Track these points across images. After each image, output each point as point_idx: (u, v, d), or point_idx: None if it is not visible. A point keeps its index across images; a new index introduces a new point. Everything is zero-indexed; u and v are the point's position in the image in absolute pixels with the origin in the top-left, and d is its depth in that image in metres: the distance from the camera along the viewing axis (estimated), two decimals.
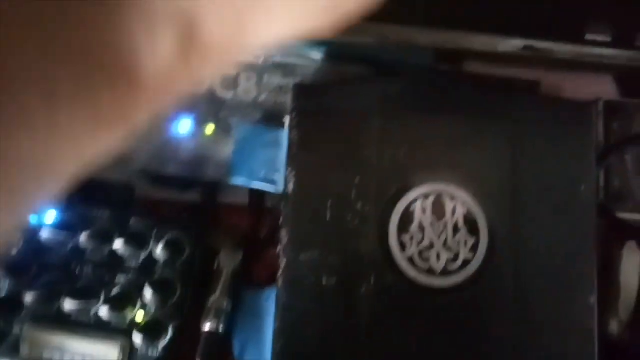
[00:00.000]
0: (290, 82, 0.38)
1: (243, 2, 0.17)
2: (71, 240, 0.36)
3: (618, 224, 0.37)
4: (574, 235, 0.32)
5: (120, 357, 0.35)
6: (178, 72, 0.16)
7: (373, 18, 0.41)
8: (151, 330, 0.35)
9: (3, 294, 0.35)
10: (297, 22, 0.19)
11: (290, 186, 0.31)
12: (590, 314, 0.31)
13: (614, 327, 0.39)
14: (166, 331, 0.35)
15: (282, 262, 0.31)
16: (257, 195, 0.42)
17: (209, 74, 0.18)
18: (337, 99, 0.32)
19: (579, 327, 0.31)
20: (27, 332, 0.35)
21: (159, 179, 0.40)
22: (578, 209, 0.32)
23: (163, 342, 0.35)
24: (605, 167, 0.39)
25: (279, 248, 0.31)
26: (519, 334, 0.31)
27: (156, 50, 0.15)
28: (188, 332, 0.37)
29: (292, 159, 0.32)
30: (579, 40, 0.42)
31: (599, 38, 0.43)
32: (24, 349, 0.34)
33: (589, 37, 0.42)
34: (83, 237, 0.35)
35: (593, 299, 0.31)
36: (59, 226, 0.35)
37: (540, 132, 0.32)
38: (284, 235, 0.31)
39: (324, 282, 0.31)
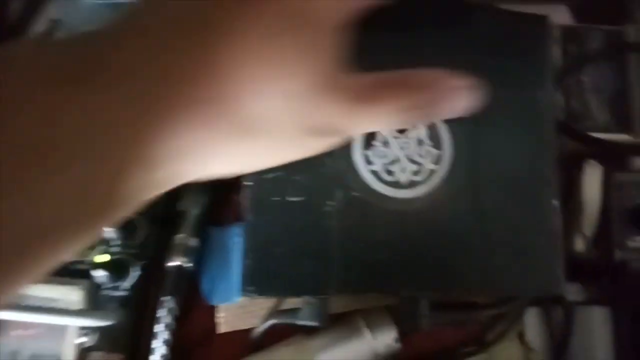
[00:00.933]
0: None
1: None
2: None
3: (581, 139, 0.38)
4: (534, 142, 0.32)
5: (85, 299, 0.33)
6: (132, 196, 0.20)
7: None
8: (115, 270, 0.34)
9: None
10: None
11: None
12: (554, 215, 0.31)
13: (579, 243, 0.40)
14: (130, 271, 0.34)
15: (246, 184, 0.30)
16: None
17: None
18: None
19: (544, 228, 0.31)
20: None
21: None
22: (537, 117, 0.32)
23: (128, 282, 0.34)
24: (563, 88, 0.40)
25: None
26: (484, 239, 0.31)
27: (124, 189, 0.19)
28: (155, 273, 0.36)
29: None
30: None
31: None
32: None
33: None
34: None
35: (556, 202, 0.31)
36: None
37: (498, 44, 0.32)
38: None
39: (290, 199, 0.30)
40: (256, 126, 0.21)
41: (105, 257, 0.34)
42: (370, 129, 0.27)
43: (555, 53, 0.40)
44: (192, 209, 0.36)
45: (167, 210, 0.37)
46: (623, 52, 0.40)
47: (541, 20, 0.33)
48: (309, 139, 0.23)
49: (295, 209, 0.30)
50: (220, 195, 0.40)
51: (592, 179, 0.39)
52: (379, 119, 0.23)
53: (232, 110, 0.20)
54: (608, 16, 0.42)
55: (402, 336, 0.38)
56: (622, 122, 0.40)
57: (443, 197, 0.31)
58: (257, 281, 0.29)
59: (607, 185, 0.40)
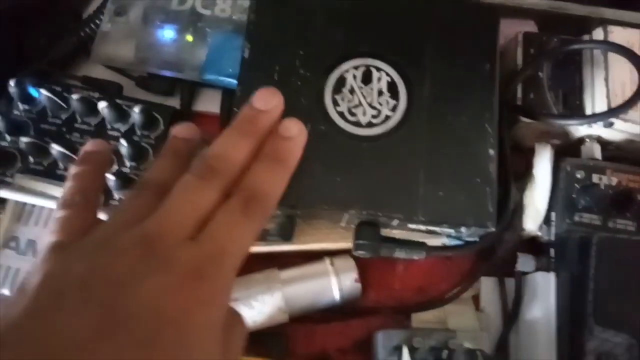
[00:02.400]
0: None
1: None
2: (65, 111, 0.43)
3: (532, 116, 0.44)
4: (479, 103, 0.38)
5: None
6: None
7: None
8: (123, 185, 0.40)
9: (2, 147, 0.42)
10: None
11: (246, 52, 0.38)
12: (490, 161, 0.37)
13: (532, 218, 0.45)
14: None
15: (235, 111, 0.37)
16: (228, 104, 0.49)
17: None
18: None
19: (480, 170, 0.36)
20: (18, 179, 0.41)
21: (145, 82, 0.48)
22: (484, 82, 0.38)
23: None
24: (523, 84, 0.46)
25: (234, 103, 0.38)
26: (430, 177, 0.36)
27: None
28: None
29: (249, 34, 0.39)
30: None
31: None
32: (11, 193, 0.40)
33: None
34: (74, 102, 0.41)
35: (492, 151, 0.37)
36: (56, 95, 0.42)
37: (451, 22, 0.40)
38: (238, 91, 0.38)
39: None
40: None
41: (113, 175, 0.41)
42: None
43: (518, 54, 0.47)
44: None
45: None
46: (569, 51, 0.46)
47: (490, 9, 0.41)
48: None
49: None
50: None
51: (542, 157, 0.44)
52: None
53: None
54: (567, 32, 0.49)
55: (365, 279, 0.43)
56: (574, 113, 0.45)
57: (394, 137, 0.37)
58: None
59: (558, 167, 0.45)
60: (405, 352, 0.38)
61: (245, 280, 0.42)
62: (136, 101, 0.44)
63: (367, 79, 0.39)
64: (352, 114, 0.38)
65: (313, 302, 0.42)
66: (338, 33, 0.39)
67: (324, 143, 0.37)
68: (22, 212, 0.41)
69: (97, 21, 0.47)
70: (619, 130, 0.45)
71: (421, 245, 0.39)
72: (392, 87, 0.38)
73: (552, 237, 0.44)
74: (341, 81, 0.38)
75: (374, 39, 0.39)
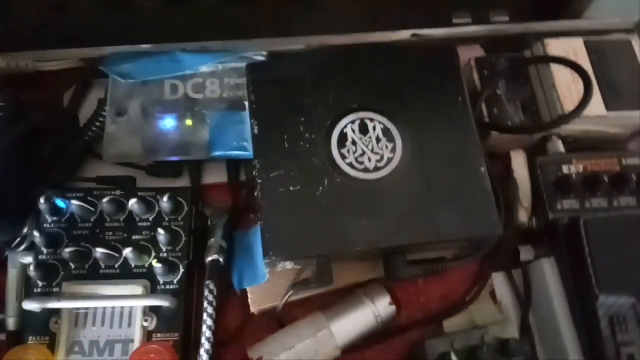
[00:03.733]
0: (244, 80, 0.51)
1: None
2: (93, 213, 0.46)
3: (502, 130, 0.51)
4: (461, 131, 0.44)
5: (147, 292, 0.44)
6: None
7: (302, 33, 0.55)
8: (167, 268, 0.44)
9: (43, 261, 0.44)
10: None
11: (256, 129, 0.43)
12: (484, 178, 0.43)
13: (522, 215, 0.51)
14: (178, 268, 0.45)
15: (259, 182, 0.42)
16: (234, 173, 0.53)
17: None
18: (280, 67, 0.45)
19: (478, 187, 0.43)
20: (66, 288, 0.44)
21: (154, 170, 0.52)
22: (460, 112, 0.45)
23: (177, 278, 0.45)
24: (485, 102, 0.53)
25: (255, 173, 0.42)
26: (438, 202, 0.42)
27: None
28: (196, 270, 0.47)
29: (254, 112, 0.44)
30: (449, 24, 0.58)
31: (463, 21, 0.59)
32: (64, 302, 0.43)
33: (455, 21, 0.59)
34: (103, 205, 0.45)
35: (484, 169, 0.43)
36: (83, 201, 0.45)
37: (423, 68, 0.46)
38: (257, 163, 0.42)
39: (291, 189, 0.42)
40: None
41: (157, 262, 0.44)
42: None
43: (475, 78, 0.54)
44: (219, 220, 0.48)
45: (200, 225, 0.48)
46: (519, 68, 0.53)
47: (449, 49, 0.47)
48: None
49: (296, 195, 0.42)
50: (239, 213, 0.52)
51: (518, 162, 0.51)
52: None
53: None
54: (510, 47, 0.57)
55: (396, 300, 0.48)
56: (534, 119, 0.53)
57: (400, 175, 0.43)
58: (275, 249, 0.40)
59: (533, 167, 0.52)
60: (453, 356, 0.43)
61: (294, 328, 0.46)
62: (152, 190, 0.47)
63: (364, 130, 0.44)
64: (360, 163, 0.43)
65: (359, 332, 0.46)
66: (330, 96, 0.45)
67: (343, 193, 0.42)
68: (78, 317, 0.43)
69: (98, 123, 0.51)
70: (574, 126, 0.52)
71: (442, 260, 0.45)
72: (387, 133, 0.44)
73: (543, 226, 0.50)
74: (343, 136, 0.44)
75: (360, 95, 0.45)
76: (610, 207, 0.50)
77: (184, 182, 0.53)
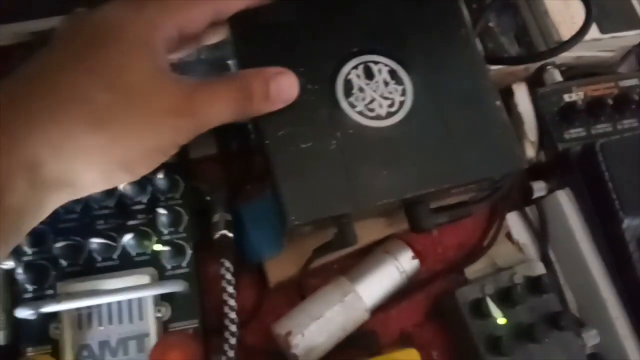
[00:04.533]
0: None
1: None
2: (78, 201, 0.41)
3: (503, 61, 0.48)
4: (469, 65, 0.42)
5: (154, 280, 0.39)
6: (29, 200, 0.25)
7: None
8: (173, 251, 0.40)
9: (30, 262, 0.39)
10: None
11: None
12: (500, 111, 0.40)
13: (529, 149, 0.50)
14: (185, 250, 0.41)
15: (265, 143, 0.38)
16: (224, 143, 0.49)
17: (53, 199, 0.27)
18: (264, 14, 0.41)
19: (497, 122, 0.40)
20: (61, 288, 0.39)
21: None
22: (465, 45, 0.42)
23: (185, 260, 0.40)
24: (478, 36, 0.51)
25: (256, 136, 0.38)
26: (458, 142, 0.39)
27: (14, 189, 0.24)
28: (202, 250, 0.43)
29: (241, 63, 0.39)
30: None
31: None
32: (65, 302, 0.38)
33: None
34: None
35: (499, 102, 0.41)
36: None
37: (415, 2, 0.43)
38: (261, 124, 0.38)
39: (302, 146, 0.38)
40: (109, 114, 0.25)
41: (161, 246, 0.40)
42: (212, 119, 0.31)
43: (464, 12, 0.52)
44: (218, 196, 0.43)
45: (197, 203, 0.43)
46: None
47: None
48: (162, 120, 0.27)
49: (309, 152, 0.38)
50: (234, 186, 0.48)
51: (520, 96, 0.50)
52: (215, 110, 0.29)
53: (86, 102, 0.25)
54: None
55: (419, 254, 0.46)
56: (529, 49, 0.51)
57: (415, 118, 0.40)
58: (296, 213, 0.36)
59: (535, 99, 0.50)
60: (489, 302, 0.41)
61: (319, 296, 0.43)
62: None
63: (369, 74, 0.41)
64: (371, 110, 0.40)
65: (385, 291, 0.44)
66: (326, 41, 0.41)
67: (358, 144, 0.39)
68: (81, 319, 0.39)
69: None
70: (568, 53, 0.51)
71: (465, 205, 0.43)
72: (394, 75, 0.41)
73: (552, 158, 0.49)
74: (348, 84, 0.40)
75: (358, 37, 0.41)
76: (615, 130, 0.49)
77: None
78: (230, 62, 0.46)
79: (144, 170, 0.29)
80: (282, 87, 0.31)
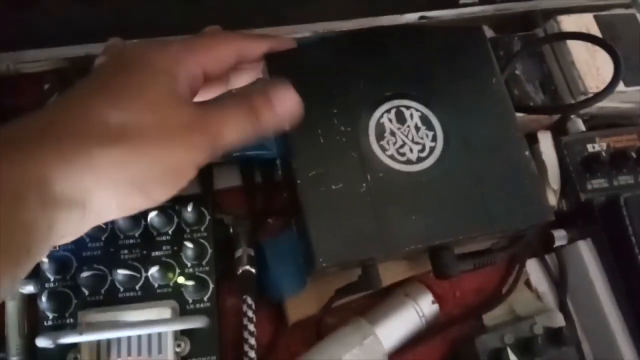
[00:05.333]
0: None
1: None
2: (103, 231, 0.41)
3: (531, 110, 0.49)
4: (499, 115, 0.42)
5: (176, 315, 0.39)
6: (39, 218, 0.24)
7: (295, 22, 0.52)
8: (196, 285, 0.39)
9: (52, 290, 0.39)
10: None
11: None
12: (529, 161, 0.41)
13: (551, 197, 0.50)
14: (207, 284, 0.40)
15: (297, 183, 0.38)
16: (249, 175, 0.49)
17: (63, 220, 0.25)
18: (301, 55, 0.41)
19: (525, 172, 0.40)
20: (82, 317, 0.38)
21: None
22: (496, 94, 0.43)
23: (207, 294, 0.40)
24: (505, 84, 0.51)
25: (290, 174, 0.38)
26: (487, 191, 0.40)
27: (24, 204, 0.23)
28: (227, 283, 0.42)
29: None
30: (455, 5, 0.56)
31: (469, 1, 0.57)
32: (87, 334, 0.37)
33: (462, 1, 0.56)
34: (116, 222, 0.40)
35: (528, 152, 0.41)
36: None
37: (451, 53, 0.43)
38: (294, 163, 0.38)
39: (333, 187, 0.38)
40: (122, 130, 0.25)
41: (184, 279, 0.40)
42: (226, 136, 0.29)
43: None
44: (241, 229, 0.43)
45: (222, 234, 0.43)
46: (542, 44, 0.52)
47: (477, 29, 0.45)
48: (176, 135, 0.26)
49: (339, 194, 0.38)
50: (257, 218, 0.48)
51: (545, 144, 0.50)
52: (227, 127, 0.29)
53: (98, 121, 0.25)
54: (517, 28, 0.55)
55: (438, 298, 0.46)
56: (554, 98, 0.51)
57: (445, 164, 0.40)
58: (324, 255, 0.36)
59: (559, 147, 0.50)
60: (510, 352, 0.41)
61: (337, 337, 0.42)
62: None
63: (401, 118, 0.41)
64: (402, 154, 0.40)
65: (404, 335, 0.44)
66: (360, 84, 0.41)
67: (388, 188, 0.39)
68: (99, 349, 0.38)
69: None
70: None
71: (490, 252, 0.43)
72: (425, 120, 0.41)
73: (574, 207, 0.49)
74: (380, 127, 0.40)
75: (391, 81, 0.42)
76: (636, 183, 0.50)
77: (194, 188, 0.48)
78: None
79: (161, 194, 0.27)
80: (281, 97, 0.31)
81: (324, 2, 0.57)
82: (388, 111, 0.41)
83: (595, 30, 0.54)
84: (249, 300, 0.39)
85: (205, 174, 0.48)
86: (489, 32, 0.56)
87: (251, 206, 0.49)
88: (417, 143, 0.41)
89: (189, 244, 0.39)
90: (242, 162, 0.48)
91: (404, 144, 0.40)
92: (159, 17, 0.52)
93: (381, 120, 0.41)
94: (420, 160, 0.40)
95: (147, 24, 0.51)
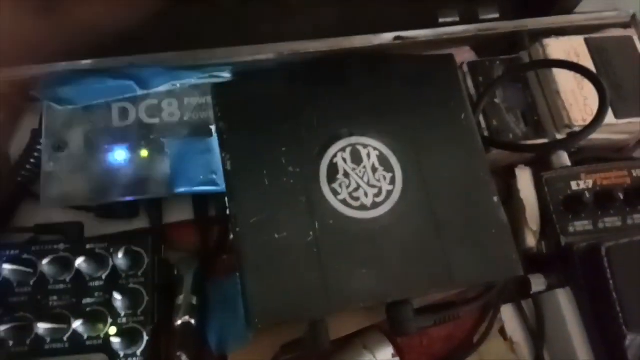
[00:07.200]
0: (208, 99, 0.43)
1: None
2: (32, 275, 0.37)
3: (506, 147, 0.45)
4: (467, 154, 0.38)
5: None
6: None
7: (270, 39, 0.48)
8: (127, 338, 0.36)
9: None
10: None
11: (228, 165, 0.36)
12: (498, 208, 0.37)
13: (530, 239, 0.46)
14: (141, 336, 0.37)
15: (236, 231, 0.34)
16: (201, 209, 0.46)
17: None
18: (251, 87, 0.38)
19: (493, 221, 0.37)
20: None
21: (105, 211, 0.43)
22: (464, 131, 0.39)
23: (140, 347, 0.37)
24: (483, 112, 0.47)
25: (231, 220, 0.35)
26: (449, 241, 0.36)
27: None
28: (162, 334, 0.39)
29: (225, 144, 0.36)
30: (435, 24, 0.52)
31: (449, 20, 0.53)
32: None
33: (442, 20, 0.52)
34: (44, 267, 0.37)
35: (496, 198, 0.37)
36: (17, 263, 0.37)
37: (418, 81, 0.39)
38: (232, 207, 0.35)
39: (276, 236, 0.35)
40: None
41: (115, 330, 0.37)
42: None
43: (468, 84, 0.48)
44: (187, 269, 0.40)
45: (164, 278, 0.40)
46: (522, 72, 0.48)
47: (447, 57, 0.41)
48: None
49: (282, 244, 0.35)
50: (210, 255, 0.44)
51: (524, 180, 0.46)
52: None
53: None
54: (503, 49, 0.51)
55: (397, 348, 0.42)
56: (537, 129, 0.47)
57: (403, 211, 0.36)
58: (260, 314, 0.33)
59: (539, 184, 0.46)
60: None
61: None
62: (104, 239, 0.39)
63: (357, 158, 0.37)
64: (355, 199, 0.36)
65: None
66: (314, 119, 0.38)
67: (338, 238, 0.35)
68: None
69: (32, 160, 0.42)
70: None
71: (453, 305, 0.39)
72: (384, 160, 0.38)
73: (554, 251, 0.45)
74: (333, 168, 0.37)
75: (349, 116, 0.38)
76: (624, 225, 0.45)
77: (142, 222, 0.45)
78: (212, 126, 0.43)
79: None
80: None
81: (300, 20, 0.54)
82: (343, 150, 0.37)
83: (585, 55, 0.49)
84: (183, 358, 0.36)
85: (154, 207, 0.44)
86: (469, 54, 0.52)
87: (204, 241, 0.45)
88: (373, 186, 0.37)
89: (117, 296, 0.36)
90: (195, 195, 0.45)
91: (359, 187, 0.37)
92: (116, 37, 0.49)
93: (334, 160, 0.37)
94: (375, 205, 0.36)
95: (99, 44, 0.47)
